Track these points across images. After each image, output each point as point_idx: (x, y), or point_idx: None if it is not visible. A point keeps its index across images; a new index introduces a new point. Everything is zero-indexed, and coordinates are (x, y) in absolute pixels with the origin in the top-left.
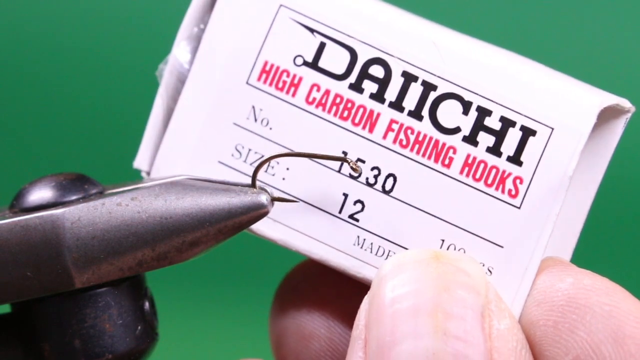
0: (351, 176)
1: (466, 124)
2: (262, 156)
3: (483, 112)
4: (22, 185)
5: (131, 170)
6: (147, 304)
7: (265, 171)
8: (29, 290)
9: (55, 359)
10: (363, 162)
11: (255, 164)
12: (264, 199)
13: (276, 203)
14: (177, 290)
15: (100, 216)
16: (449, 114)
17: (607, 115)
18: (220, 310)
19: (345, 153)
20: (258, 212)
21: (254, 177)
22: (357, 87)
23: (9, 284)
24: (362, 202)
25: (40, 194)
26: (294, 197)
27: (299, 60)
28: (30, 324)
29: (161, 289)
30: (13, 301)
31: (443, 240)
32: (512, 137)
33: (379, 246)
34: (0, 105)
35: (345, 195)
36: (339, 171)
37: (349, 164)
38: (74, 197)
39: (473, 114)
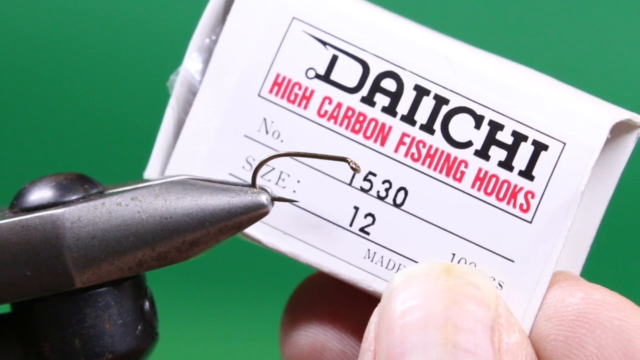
0: (353, 170)
1: (478, 138)
2: (273, 168)
3: (495, 126)
4: (22, 185)
5: (131, 170)
6: (147, 304)
7: (276, 183)
8: (29, 290)
9: (55, 359)
10: (374, 175)
11: (267, 176)
12: (264, 198)
13: (291, 211)
14: (177, 290)
15: (100, 216)
16: (460, 127)
17: (618, 130)
18: (221, 311)
19: None
20: (258, 211)
21: (253, 177)
22: (369, 100)
23: (9, 284)
24: (372, 216)
25: (41, 193)
26: (304, 208)
27: (311, 73)
28: (30, 324)
29: (161, 289)
30: (13, 301)
31: (454, 254)
32: (524, 151)
33: (390, 259)
34: (1, 105)
35: (356, 209)
36: (349, 184)
37: (348, 163)
38: (74, 197)
39: (485, 128)
